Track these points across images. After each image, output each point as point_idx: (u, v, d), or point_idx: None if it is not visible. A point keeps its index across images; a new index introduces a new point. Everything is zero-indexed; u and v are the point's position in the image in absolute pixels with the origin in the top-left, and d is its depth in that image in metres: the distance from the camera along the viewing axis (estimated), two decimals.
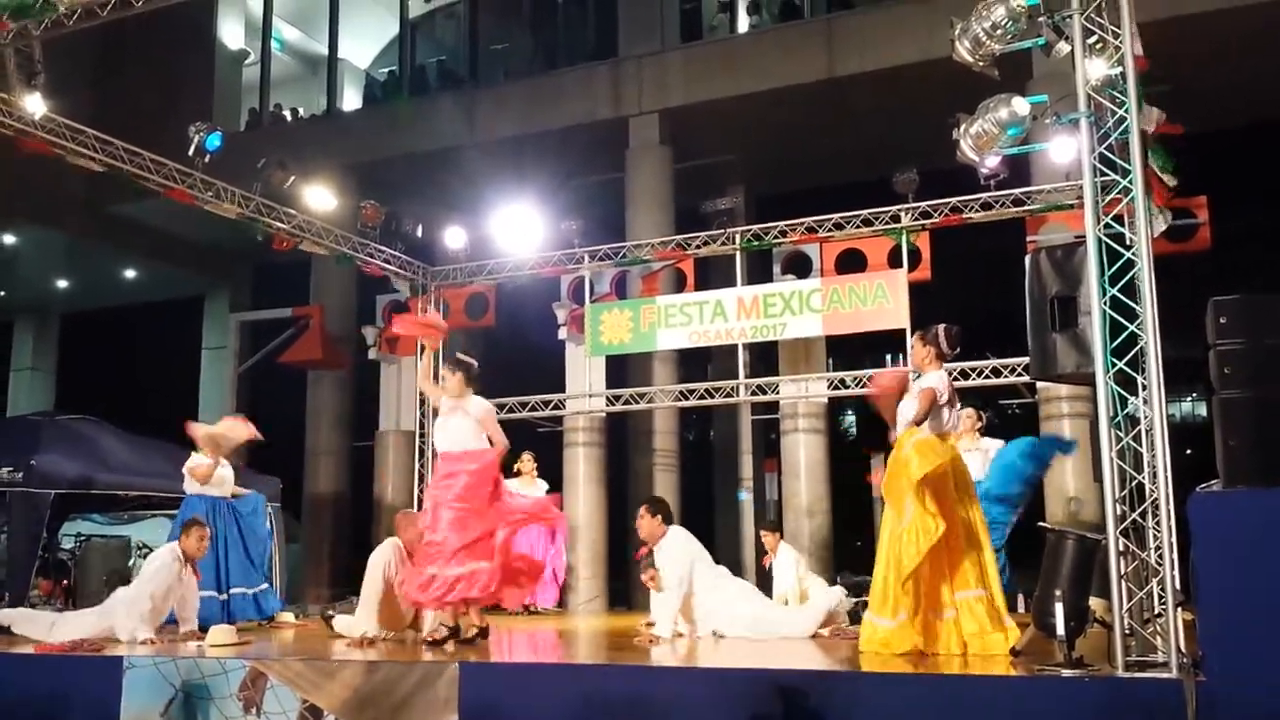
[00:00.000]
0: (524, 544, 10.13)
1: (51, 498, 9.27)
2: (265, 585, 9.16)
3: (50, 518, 9.45)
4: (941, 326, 6.18)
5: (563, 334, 12.38)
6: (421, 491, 12.62)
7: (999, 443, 8.91)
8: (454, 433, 7.42)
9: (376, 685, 5.49)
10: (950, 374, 9.99)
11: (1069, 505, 10.81)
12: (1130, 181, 5.15)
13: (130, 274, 19.34)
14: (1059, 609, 4.91)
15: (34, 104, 8.48)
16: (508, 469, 10.93)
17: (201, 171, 9.82)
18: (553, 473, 12.97)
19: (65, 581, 9.87)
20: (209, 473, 8.82)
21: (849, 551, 13.22)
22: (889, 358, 13.37)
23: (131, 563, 9.53)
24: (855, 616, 7.53)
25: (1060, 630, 4.89)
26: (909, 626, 5.77)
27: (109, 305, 20.44)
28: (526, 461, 10.99)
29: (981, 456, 8.59)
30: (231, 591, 8.82)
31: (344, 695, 5.52)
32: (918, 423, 5.88)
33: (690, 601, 7.30)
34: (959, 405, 6.28)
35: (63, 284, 19.99)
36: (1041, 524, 6.13)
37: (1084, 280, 5.24)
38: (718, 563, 7.83)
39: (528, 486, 10.74)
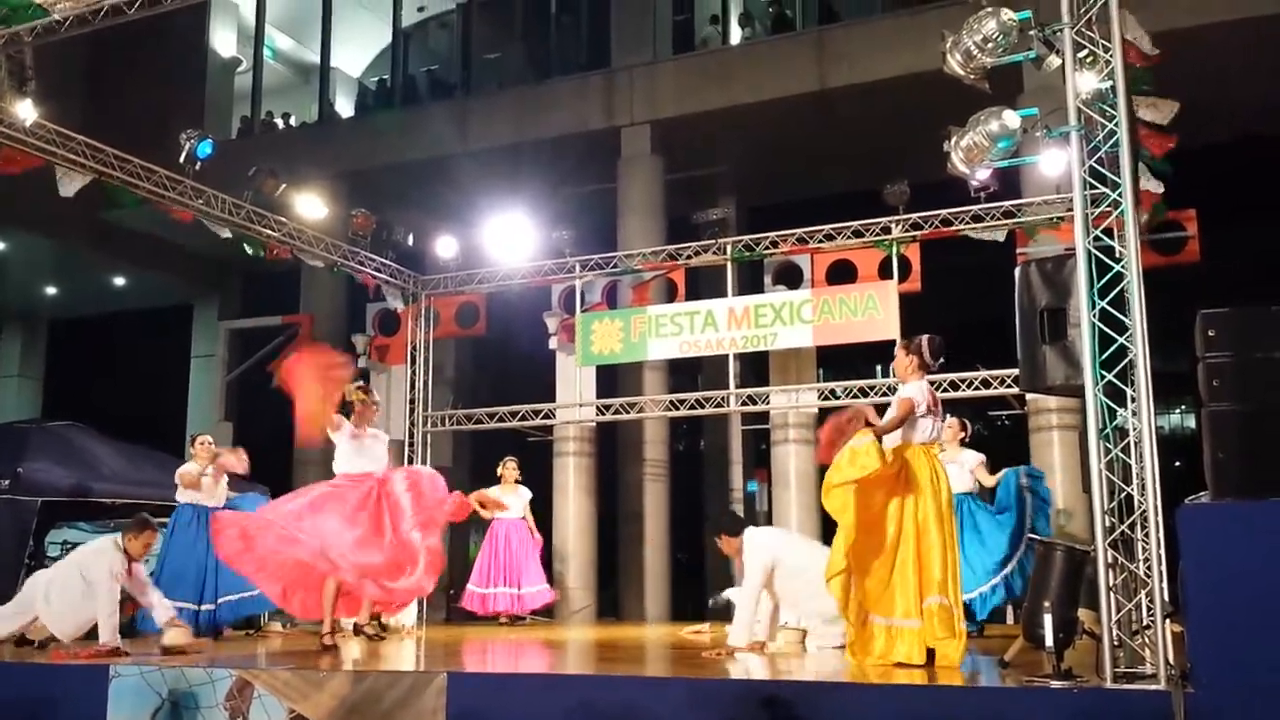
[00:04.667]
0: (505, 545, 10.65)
1: (38, 505, 9.23)
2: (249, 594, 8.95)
3: (37, 525, 9.41)
4: (925, 337, 6.19)
5: (553, 343, 12.38)
6: None
7: (980, 456, 8.86)
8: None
9: (364, 695, 5.47)
10: (939, 385, 10.05)
11: (1056, 517, 10.83)
12: (1120, 195, 5.17)
13: (119, 281, 19.28)
14: (1048, 620, 4.91)
15: (24, 110, 8.46)
16: (491, 475, 10.99)
17: (192, 179, 9.80)
18: (542, 482, 12.97)
19: None
20: (195, 480, 8.76)
21: None
22: (879, 368, 13.40)
23: None
24: None
25: (1049, 641, 4.89)
26: (858, 635, 5.85)
27: (98, 312, 20.39)
28: (510, 468, 10.96)
29: (958, 469, 8.57)
30: (220, 600, 8.74)
31: (331, 705, 5.50)
32: (886, 430, 5.87)
33: (775, 606, 6.96)
34: (942, 416, 6.27)
35: (51, 291, 19.93)
36: (1031, 535, 6.15)
37: (1073, 292, 5.25)
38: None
39: (509, 493, 10.71)
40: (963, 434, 8.83)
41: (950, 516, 5.95)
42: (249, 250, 10.90)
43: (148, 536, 7.34)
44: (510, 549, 10.60)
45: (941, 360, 6.20)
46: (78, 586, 7.19)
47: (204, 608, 8.63)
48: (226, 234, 10.42)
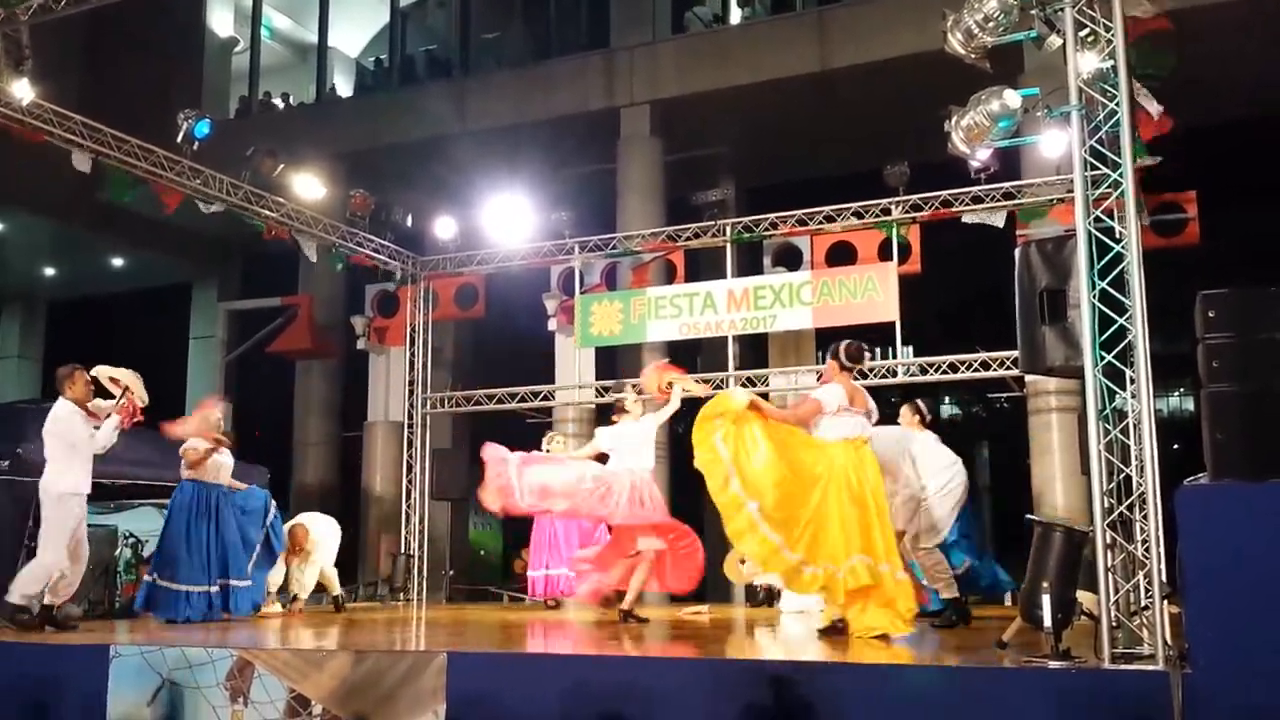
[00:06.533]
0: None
1: (38, 486, 9.20)
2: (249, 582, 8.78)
3: (36, 506, 9.39)
4: (844, 342, 6.59)
5: (552, 325, 12.38)
6: (409, 482, 12.62)
7: (931, 437, 8.22)
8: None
9: (364, 675, 5.48)
10: (938, 366, 10.02)
11: (1054, 499, 10.80)
12: (1120, 175, 5.15)
13: (118, 261, 19.25)
14: (1046, 601, 4.92)
15: (21, 89, 8.43)
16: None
17: (190, 159, 9.79)
18: None
19: None
20: (199, 458, 8.57)
21: None
22: (879, 350, 13.38)
23: (118, 551, 9.47)
24: None
25: (1047, 622, 4.90)
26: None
27: (97, 293, 20.36)
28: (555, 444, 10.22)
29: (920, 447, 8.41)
30: (232, 583, 8.53)
31: (331, 685, 5.51)
32: (782, 419, 6.41)
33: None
34: (865, 413, 6.45)
35: (50, 271, 19.89)
36: (1029, 516, 6.14)
37: (1073, 273, 5.24)
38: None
39: None
40: (916, 417, 8.35)
41: (873, 502, 6.16)
42: (252, 223, 10.90)
43: (78, 376, 7.45)
44: (554, 526, 9.99)
45: (863, 364, 6.69)
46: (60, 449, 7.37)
47: (213, 588, 8.37)
48: (216, 207, 10.38)
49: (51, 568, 7.33)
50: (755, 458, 6.16)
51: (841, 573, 6.00)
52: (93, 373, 7.60)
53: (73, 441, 7.34)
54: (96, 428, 7.44)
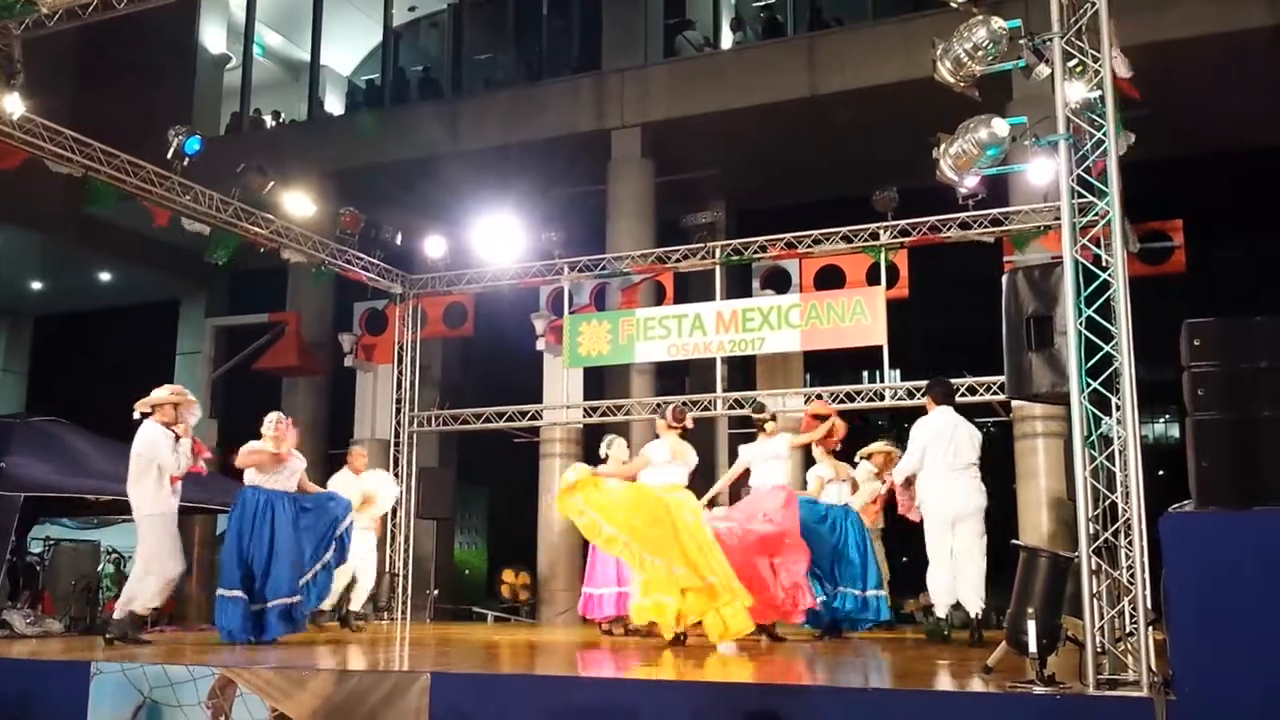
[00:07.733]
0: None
1: (21, 501, 9.16)
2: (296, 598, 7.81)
3: (20, 521, 9.35)
4: (671, 405, 8.02)
5: (541, 344, 12.38)
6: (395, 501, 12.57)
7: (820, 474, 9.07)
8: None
9: (347, 694, 5.44)
10: (925, 391, 10.05)
11: (1058, 510, 10.80)
12: (1107, 204, 5.19)
13: (105, 277, 19.19)
14: (1031, 626, 4.92)
15: (12, 103, 8.42)
16: (478, 476, 10.85)
17: (180, 175, 9.78)
18: (529, 484, 12.97)
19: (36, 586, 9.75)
20: (260, 460, 7.94)
21: None
22: (866, 374, 13.43)
23: (101, 567, 9.41)
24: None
25: (1032, 648, 4.90)
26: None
27: (83, 308, 20.28)
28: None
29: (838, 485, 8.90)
30: (270, 604, 7.65)
31: (314, 704, 5.47)
32: (620, 475, 7.72)
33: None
34: (684, 465, 7.53)
35: (37, 286, 19.82)
36: (1015, 542, 6.16)
37: (1060, 300, 5.26)
38: None
39: None
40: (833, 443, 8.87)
41: (678, 534, 7.14)
42: (215, 258, 10.83)
43: (168, 410, 7.68)
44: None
45: (685, 423, 7.69)
46: (148, 470, 7.53)
47: (254, 606, 7.62)
48: (197, 228, 10.35)
49: (166, 578, 7.54)
50: (611, 505, 7.38)
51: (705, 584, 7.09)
52: (136, 410, 7.78)
53: (160, 463, 7.53)
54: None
